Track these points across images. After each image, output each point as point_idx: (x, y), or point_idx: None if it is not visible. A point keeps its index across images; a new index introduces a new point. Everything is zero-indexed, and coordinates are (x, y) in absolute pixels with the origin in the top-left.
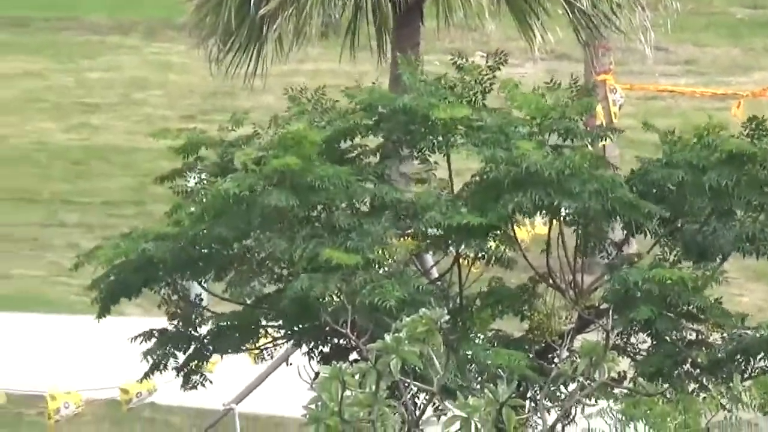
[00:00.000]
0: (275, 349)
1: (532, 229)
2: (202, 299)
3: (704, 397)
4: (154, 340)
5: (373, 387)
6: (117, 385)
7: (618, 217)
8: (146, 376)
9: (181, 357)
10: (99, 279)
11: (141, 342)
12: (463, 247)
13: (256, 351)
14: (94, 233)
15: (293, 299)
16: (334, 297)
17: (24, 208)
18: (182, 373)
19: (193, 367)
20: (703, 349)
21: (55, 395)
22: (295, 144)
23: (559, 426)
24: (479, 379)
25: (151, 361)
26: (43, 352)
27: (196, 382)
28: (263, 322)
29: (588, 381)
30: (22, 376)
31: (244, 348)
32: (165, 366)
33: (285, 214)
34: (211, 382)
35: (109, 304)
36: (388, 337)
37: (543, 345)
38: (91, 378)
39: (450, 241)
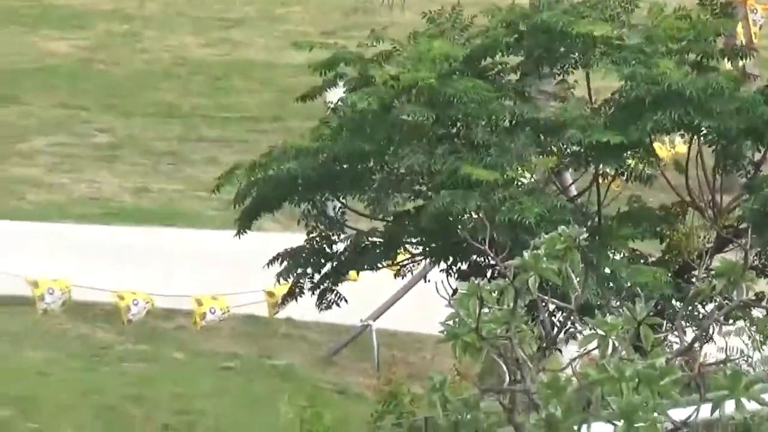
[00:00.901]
0: (413, 266)
1: (671, 148)
2: (342, 215)
3: None
4: (288, 261)
5: (511, 304)
6: (262, 289)
7: (759, 137)
8: (284, 300)
9: (317, 276)
10: (240, 195)
11: (278, 263)
12: (602, 165)
13: (395, 267)
14: (232, 148)
15: (433, 216)
16: (474, 214)
17: (164, 123)
18: (317, 292)
19: (329, 285)
20: None
21: (202, 300)
22: (431, 59)
23: (696, 345)
24: (617, 297)
25: (286, 283)
26: (181, 265)
27: (331, 301)
28: (402, 239)
29: (726, 301)
30: (161, 289)
31: (382, 264)
32: (301, 289)
33: (423, 129)
34: (346, 301)
35: (250, 221)
36: (526, 254)
37: (681, 264)
38: (229, 292)
39: (589, 159)
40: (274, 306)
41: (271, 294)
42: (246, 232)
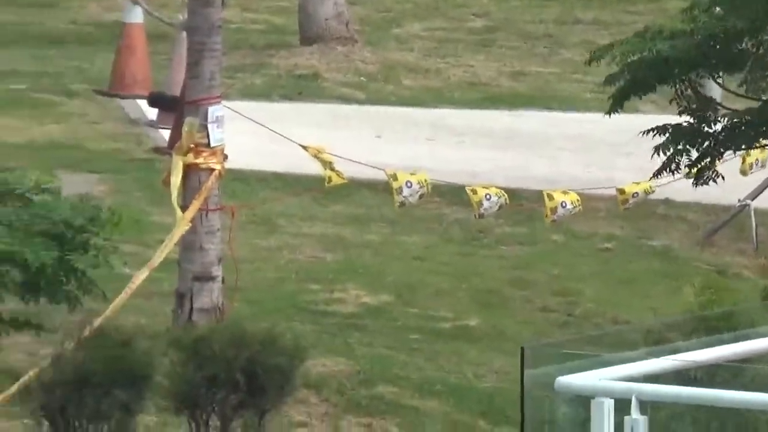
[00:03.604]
0: None
1: None
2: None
3: None
4: (667, 135)
5: None
6: (614, 185)
7: None
8: (658, 173)
9: (694, 154)
10: (613, 76)
11: (653, 137)
12: None
13: None
14: (609, 30)
15: None
16: None
17: (540, 5)
18: (694, 170)
19: (706, 164)
20: None
21: (553, 194)
22: None
23: None
24: None
25: (662, 156)
26: (560, 147)
27: (708, 178)
28: None
29: None
30: (540, 172)
31: (759, 144)
32: (677, 164)
33: None
34: (723, 178)
35: (622, 101)
36: None
37: None
38: (598, 177)
39: None
40: (624, 203)
41: (621, 191)
42: (618, 112)
